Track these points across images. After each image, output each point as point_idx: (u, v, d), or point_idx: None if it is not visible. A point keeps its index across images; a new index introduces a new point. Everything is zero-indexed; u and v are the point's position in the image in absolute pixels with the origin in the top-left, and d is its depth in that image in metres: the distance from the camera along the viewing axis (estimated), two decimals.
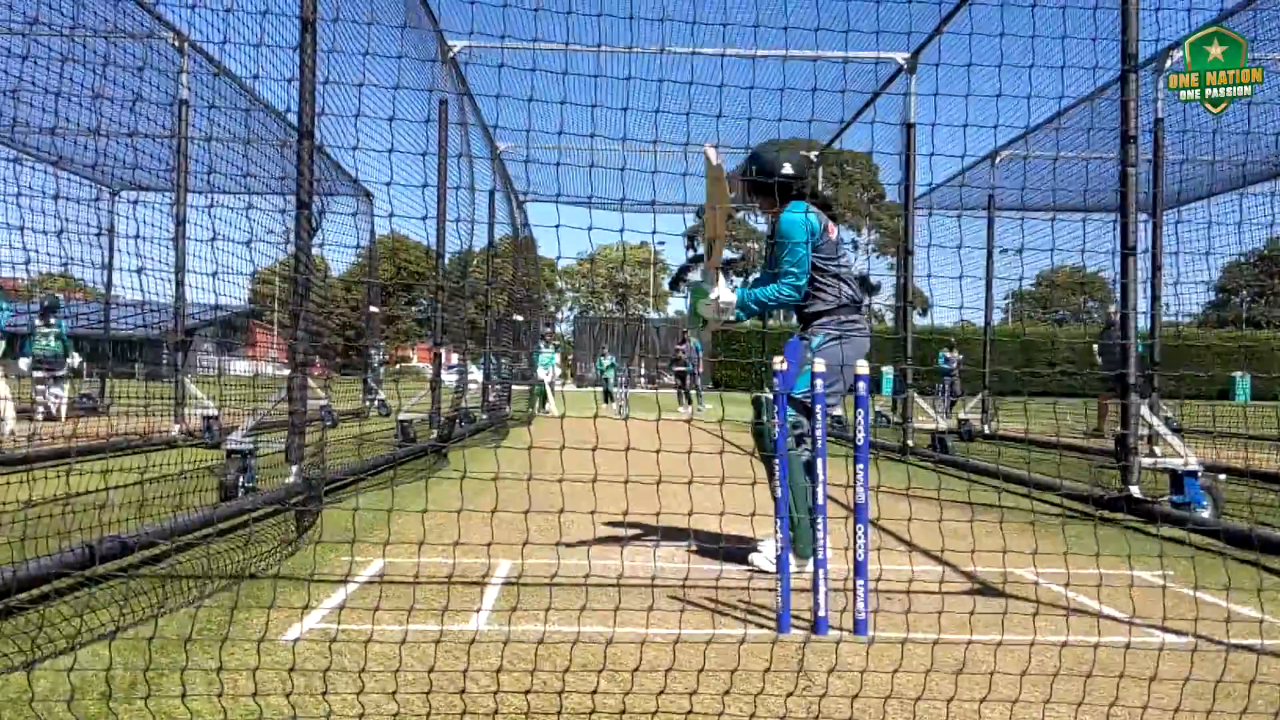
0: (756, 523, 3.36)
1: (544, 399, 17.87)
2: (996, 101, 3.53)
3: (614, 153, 9.61)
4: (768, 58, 8.16)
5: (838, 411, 3.96)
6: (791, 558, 3.64)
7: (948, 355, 18.39)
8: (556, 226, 3.07)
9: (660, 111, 3.64)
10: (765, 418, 3.89)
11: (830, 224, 4.15)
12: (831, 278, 4.05)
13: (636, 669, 2.55)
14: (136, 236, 6.10)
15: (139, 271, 6.74)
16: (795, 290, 4.01)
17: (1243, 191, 9.06)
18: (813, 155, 4.16)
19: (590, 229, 3.08)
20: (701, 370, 20.66)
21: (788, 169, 4.14)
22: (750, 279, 4.25)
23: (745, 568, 3.97)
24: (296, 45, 4.62)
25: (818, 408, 3.31)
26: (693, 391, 19.07)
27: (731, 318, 4.10)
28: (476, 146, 11.13)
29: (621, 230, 3.83)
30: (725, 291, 4.03)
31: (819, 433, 3.27)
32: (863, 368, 3.34)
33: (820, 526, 3.17)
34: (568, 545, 4.34)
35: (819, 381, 3.32)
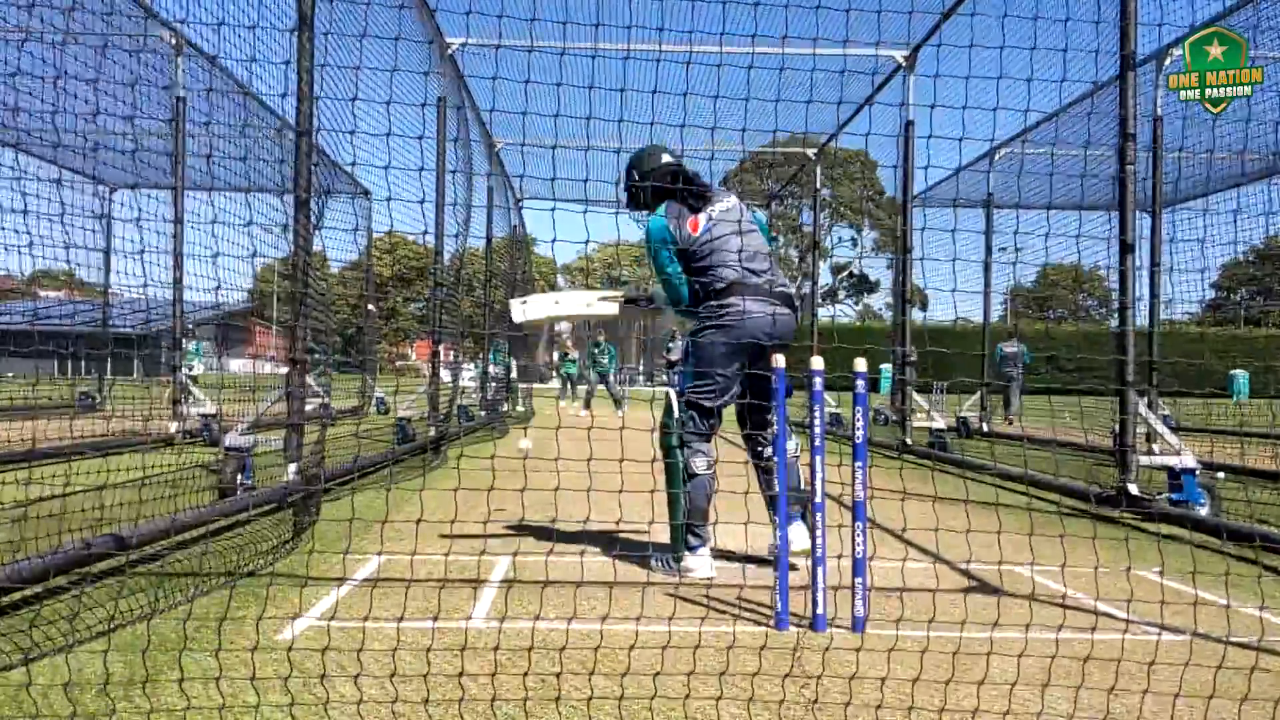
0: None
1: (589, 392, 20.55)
2: (998, 94, 3.52)
3: (611, 151, 9.56)
4: (765, 54, 8.13)
5: (708, 404, 3.87)
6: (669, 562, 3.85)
7: (1006, 350, 16.09)
8: (553, 210, 3.06)
9: (655, 100, 3.64)
10: (667, 418, 3.91)
11: (695, 217, 3.98)
12: (701, 268, 3.92)
13: (632, 656, 2.55)
14: (137, 221, 6.06)
15: (140, 254, 6.72)
16: (667, 289, 4.07)
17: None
18: (664, 157, 4.10)
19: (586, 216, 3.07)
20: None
21: (644, 173, 4.14)
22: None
23: (737, 564, 3.97)
24: (292, 31, 4.61)
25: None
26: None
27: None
28: (476, 152, 11.11)
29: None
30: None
31: (818, 429, 3.26)
32: (860, 365, 3.29)
33: (819, 524, 3.17)
34: (565, 540, 4.34)
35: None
